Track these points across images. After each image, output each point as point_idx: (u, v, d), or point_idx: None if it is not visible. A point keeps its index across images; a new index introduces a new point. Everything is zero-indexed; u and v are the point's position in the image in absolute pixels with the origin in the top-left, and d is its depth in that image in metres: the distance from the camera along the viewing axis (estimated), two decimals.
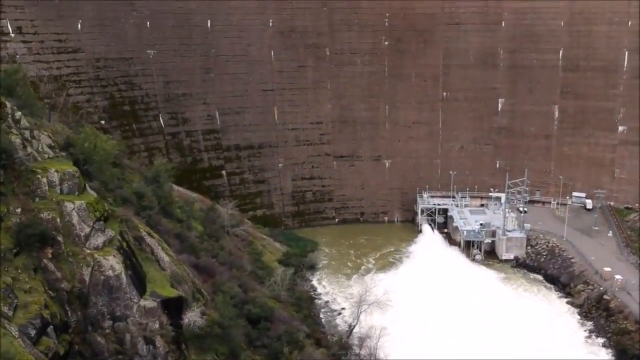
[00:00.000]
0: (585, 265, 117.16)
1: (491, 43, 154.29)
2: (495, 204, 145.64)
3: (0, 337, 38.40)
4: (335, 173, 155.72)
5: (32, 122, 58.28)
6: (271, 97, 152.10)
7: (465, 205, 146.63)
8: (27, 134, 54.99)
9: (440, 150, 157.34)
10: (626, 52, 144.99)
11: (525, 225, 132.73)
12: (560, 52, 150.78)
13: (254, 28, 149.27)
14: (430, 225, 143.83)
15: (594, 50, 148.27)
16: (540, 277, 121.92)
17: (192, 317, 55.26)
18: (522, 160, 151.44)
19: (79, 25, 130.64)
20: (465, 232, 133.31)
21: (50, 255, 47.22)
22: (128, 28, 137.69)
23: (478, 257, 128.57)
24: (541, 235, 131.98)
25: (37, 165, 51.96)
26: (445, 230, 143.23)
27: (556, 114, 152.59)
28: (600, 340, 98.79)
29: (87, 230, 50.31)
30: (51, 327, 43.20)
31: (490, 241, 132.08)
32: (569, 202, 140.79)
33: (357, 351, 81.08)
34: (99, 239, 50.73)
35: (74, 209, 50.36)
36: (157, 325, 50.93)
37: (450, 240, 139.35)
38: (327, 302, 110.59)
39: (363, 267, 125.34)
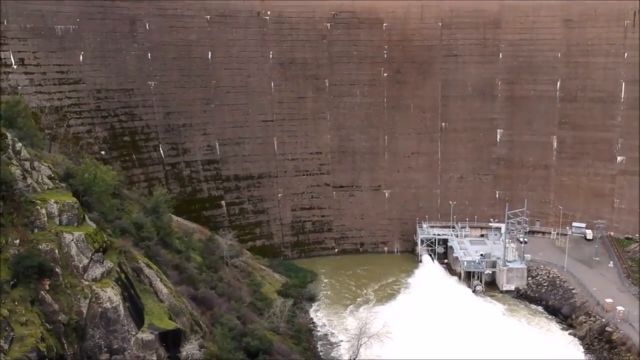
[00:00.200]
0: (587, 297, 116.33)
1: (489, 74, 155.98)
2: (495, 234, 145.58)
3: None
4: (334, 203, 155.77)
5: (32, 153, 58.57)
6: (271, 128, 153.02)
7: (465, 236, 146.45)
8: (27, 165, 55.24)
9: (440, 180, 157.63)
10: (623, 84, 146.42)
11: (525, 255, 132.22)
12: (558, 83, 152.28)
13: (255, 60, 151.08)
14: (430, 255, 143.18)
15: (591, 81, 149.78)
16: (541, 309, 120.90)
17: (190, 349, 54.73)
18: (522, 190, 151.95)
19: (81, 57, 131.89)
20: (465, 262, 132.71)
21: (47, 287, 47.03)
22: (129, 59, 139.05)
23: (479, 288, 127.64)
24: (542, 266, 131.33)
25: (36, 196, 52.07)
26: (446, 260, 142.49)
27: (555, 144, 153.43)
28: None
29: (86, 261, 50.15)
30: None
31: (490, 272, 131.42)
32: (569, 233, 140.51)
33: None
34: (97, 271, 50.54)
35: (72, 240, 50.30)
36: (154, 358, 50.48)
37: (451, 270, 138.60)
38: (326, 334, 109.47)
39: (363, 298, 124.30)
